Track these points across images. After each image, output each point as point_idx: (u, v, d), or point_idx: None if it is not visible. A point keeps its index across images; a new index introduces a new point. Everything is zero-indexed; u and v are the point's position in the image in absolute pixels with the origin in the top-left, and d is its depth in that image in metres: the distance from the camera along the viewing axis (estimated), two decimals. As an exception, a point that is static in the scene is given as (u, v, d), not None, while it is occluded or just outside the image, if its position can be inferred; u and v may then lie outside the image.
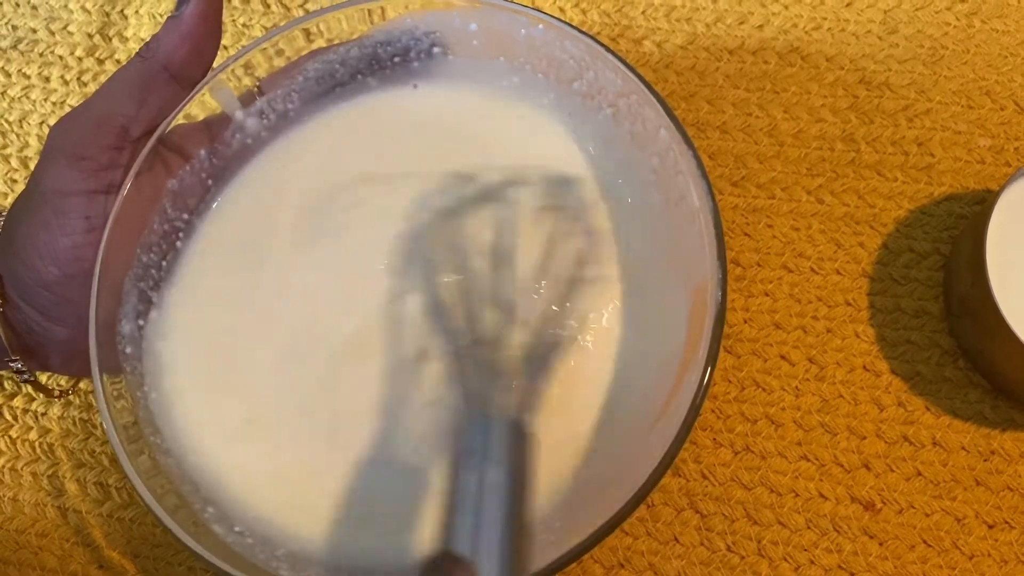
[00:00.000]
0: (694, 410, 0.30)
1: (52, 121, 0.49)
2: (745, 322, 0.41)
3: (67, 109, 0.49)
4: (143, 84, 0.36)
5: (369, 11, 0.38)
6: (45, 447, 0.43)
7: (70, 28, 0.51)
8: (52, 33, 0.51)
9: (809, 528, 0.38)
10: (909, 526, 0.37)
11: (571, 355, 0.35)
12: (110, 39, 0.51)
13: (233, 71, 0.37)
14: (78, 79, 0.50)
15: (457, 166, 0.37)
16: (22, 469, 0.43)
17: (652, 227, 0.36)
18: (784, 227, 0.42)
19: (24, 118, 0.50)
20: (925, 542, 0.37)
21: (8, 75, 0.51)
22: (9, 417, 0.44)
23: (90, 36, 0.51)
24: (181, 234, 0.38)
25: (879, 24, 0.45)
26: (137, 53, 0.36)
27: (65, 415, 0.44)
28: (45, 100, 0.50)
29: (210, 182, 0.38)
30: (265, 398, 0.36)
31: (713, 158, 0.43)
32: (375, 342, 0.35)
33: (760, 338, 0.40)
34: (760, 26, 0.45)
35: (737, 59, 0.45)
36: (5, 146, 0.50)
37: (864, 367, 0.39)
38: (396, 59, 0.39)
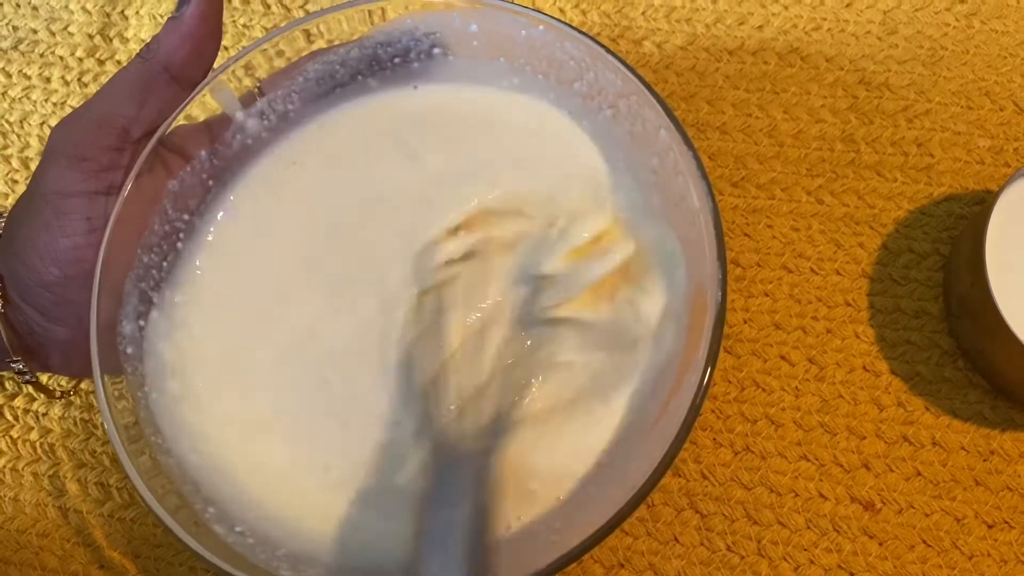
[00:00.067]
0: (694, 410, 0.30)
1: (53, 122, 0.49)
2: (745, 322, 0.41)
3: (68, 110, 0.49)
4: (144, 85, 0.36)
5: (369, 12, 0.38)
6: (46, 447, 0.43)
7: (71, 29, 0.51)
8: (53, 34, 0.51)
9: (809, 528, 0.38)
10: (909, 526, 0.37)
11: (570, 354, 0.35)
12: (111, 40, 0.51)
13: (234, 72, 0.37)
14: (79, 80, 0.50)
15: (457, 167, 0.37)
16: (23, 469, 0.43)
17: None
18: (784, 228, 0.42)
19: (25, 119, 0.50)
20: (925, 542, 0.37)
21: (9, 76, 0.51)
22: (10, 417, 0.44)
23: (91, 37, 0.51)
24: (182, 235, 0.38)
25: (879, 25, 0.45)
26: (138, 54, 0.36)
27: (66, 415, 0.44)
28: (46, 101, 0.50)
29: (211, 183, 0.38)
30: (266, 398, 0.36)
31: (713, 159, 0.43)
32: (374, 343, 0.35)
33: (760, 338, 0.40)
34: (760, 27, 0.45)
35: (737, 60, 0.45)
36: (6, 147, 0.50)
37: (864, 367, 0.39)
38: (396, 60, 0.39)
